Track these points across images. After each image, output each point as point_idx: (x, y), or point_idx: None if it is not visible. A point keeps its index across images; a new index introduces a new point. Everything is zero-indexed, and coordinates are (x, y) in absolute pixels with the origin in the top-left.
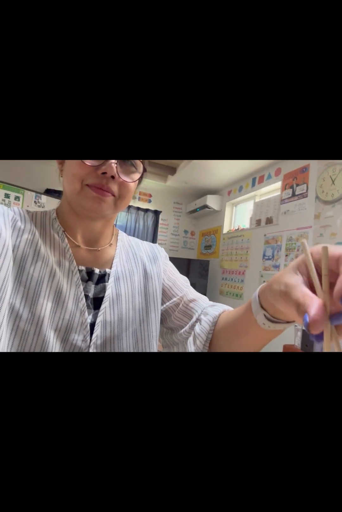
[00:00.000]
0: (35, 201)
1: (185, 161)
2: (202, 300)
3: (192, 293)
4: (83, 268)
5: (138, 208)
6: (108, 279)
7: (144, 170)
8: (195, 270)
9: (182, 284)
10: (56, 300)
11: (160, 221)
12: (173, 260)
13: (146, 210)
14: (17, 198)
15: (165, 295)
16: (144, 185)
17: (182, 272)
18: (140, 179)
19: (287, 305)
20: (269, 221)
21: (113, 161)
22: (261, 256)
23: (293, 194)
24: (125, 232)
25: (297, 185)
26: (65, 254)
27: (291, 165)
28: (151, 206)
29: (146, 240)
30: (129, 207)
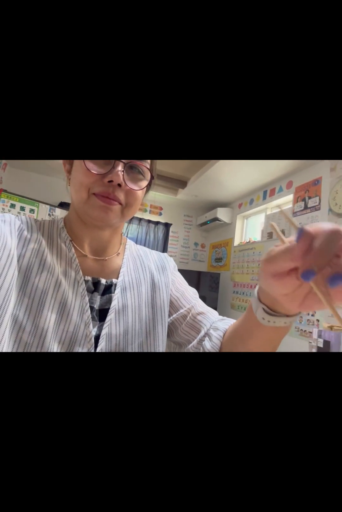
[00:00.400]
0: (49, 214)
1: (196, 175)
2: (211, 314)
3: (201, 306)
4: (89, 278)
5: (149, 221)
6: (114, 289)
7: (152, 177)
8: (205, 283)
9: (190, 296)
10: (60, 312)
11: (170, 234)
12: (183, 272)
13: (157, 223)
14: (32, 210)
15: (173, 306)
16: (155, 198)
17: (191, 284)
18: (148, 187)
19: (272, 265)
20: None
21: (119, 169)
22: None
23: (305, 207)
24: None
25: (309, 197)
26: (71, 264)
27: (302, 178)
28: (162, 219)
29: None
30: (140, 219)
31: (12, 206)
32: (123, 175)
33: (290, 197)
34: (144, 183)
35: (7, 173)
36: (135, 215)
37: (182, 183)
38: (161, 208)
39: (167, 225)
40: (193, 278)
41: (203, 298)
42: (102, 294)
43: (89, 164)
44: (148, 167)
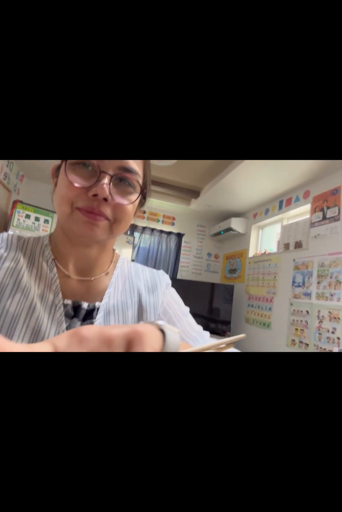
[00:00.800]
0: None
1: (209, 184)
2: (196, 341)
3: (186, 331)
4: (69, 302)
5: (161, 231)
6: (97, 314)
7: (142, 190)
8: (219, 294)
9: (177, 320)
10: (32, 340)
11: (183, 244)
12: (196, 283)
13: (169, 233)
14: (46, 221)
15: None
16: (168, 208)
17: (205, 296)
18: (142, 199)
19: None
20: (298, 245)
21: (105, 182)
22: (291, 282)
23: (324, 217)
24: (148, 254)
25: (328, 208)
26: (51, 285)
27: (320, 187)
28: (174, 229)
29: (169, 262)
30: (152, 229)
31: (27, 216)
32: (109, 188)
33: (307, 207)
34: (134, 197)
35: (24, 184)
36: (148, 225)
37: (194, 193)
38: (174, 218)
39: (180, 235)
40: (207, 290)
41: (216, 310)
42: (84, 320)
43: (72, 176)
44: (139, 180)
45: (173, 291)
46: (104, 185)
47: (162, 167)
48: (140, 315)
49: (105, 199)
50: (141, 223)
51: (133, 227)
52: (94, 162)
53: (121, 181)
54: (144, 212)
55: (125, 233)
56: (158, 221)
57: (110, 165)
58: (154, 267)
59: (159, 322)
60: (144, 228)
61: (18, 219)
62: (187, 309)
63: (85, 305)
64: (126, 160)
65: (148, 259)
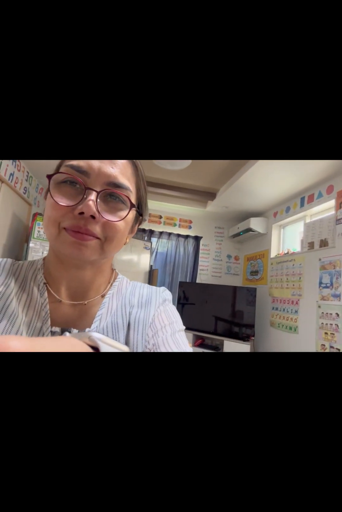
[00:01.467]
0: None
1: (225, 185)
2: None
3: (170, 346)
4: (57, 329)
5: (178, 235)
6: None
7: (132, 205)
8: (241, 297)
9: (164, 333)
10: None
11: (201, 247)
12: (217, 287)
13: (186, 236)
14: None
15: (145, 347)
16: (184, 212)
17: (227, 300)
18: (139, 216)
19: None
20: (323, 243)
21: (91, 198)
22: (317, 283)
23: None
24: (166, 259)
25: None
26: (40, 312)
27: None
28: (191, 232)
29: (187, 266)
30: (169, 234)
31: None
32: (97, 205)
33: (332, 203)
34: (124, 213)
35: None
36: (165, 230)
37: (210, 195)
38: (190, 222)
39: (197, 238)
40: (228, 293)
41: (240, 312)
42: None
43: (57, 196)
44: (130, 196)
45: (171, 307)
46: (90, 202)
47: (176, 170)
48: (128, 332)
49: (93, 217)
50: (158, 228)
51: (150, 233)
52: (80, 179)
53: (111, 197)
54: (160, 217)
55: (143, 239)
56: (175, 225)
57: (98, 182)
58: (172, 272)
59: (96, 336)
60: (161, 233)
61: (39, 231)
62: (181, 327)
63: (75, 331)
64: (114, 175)
65: (167, 264)
